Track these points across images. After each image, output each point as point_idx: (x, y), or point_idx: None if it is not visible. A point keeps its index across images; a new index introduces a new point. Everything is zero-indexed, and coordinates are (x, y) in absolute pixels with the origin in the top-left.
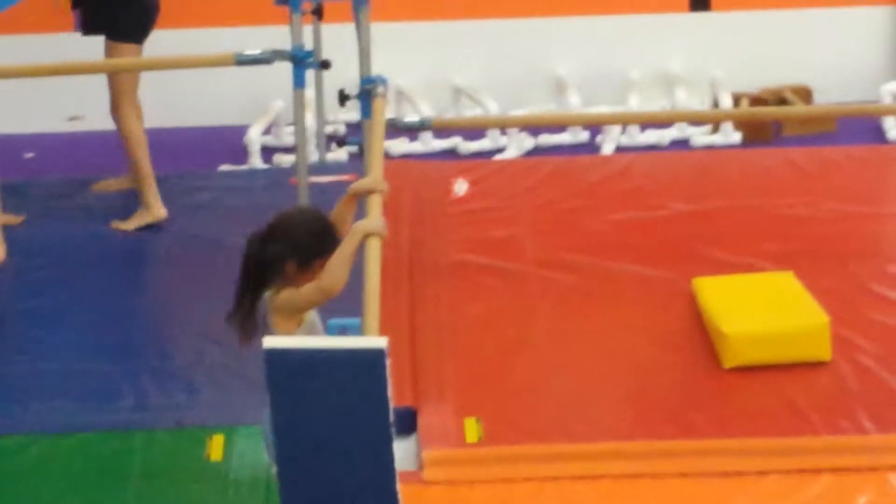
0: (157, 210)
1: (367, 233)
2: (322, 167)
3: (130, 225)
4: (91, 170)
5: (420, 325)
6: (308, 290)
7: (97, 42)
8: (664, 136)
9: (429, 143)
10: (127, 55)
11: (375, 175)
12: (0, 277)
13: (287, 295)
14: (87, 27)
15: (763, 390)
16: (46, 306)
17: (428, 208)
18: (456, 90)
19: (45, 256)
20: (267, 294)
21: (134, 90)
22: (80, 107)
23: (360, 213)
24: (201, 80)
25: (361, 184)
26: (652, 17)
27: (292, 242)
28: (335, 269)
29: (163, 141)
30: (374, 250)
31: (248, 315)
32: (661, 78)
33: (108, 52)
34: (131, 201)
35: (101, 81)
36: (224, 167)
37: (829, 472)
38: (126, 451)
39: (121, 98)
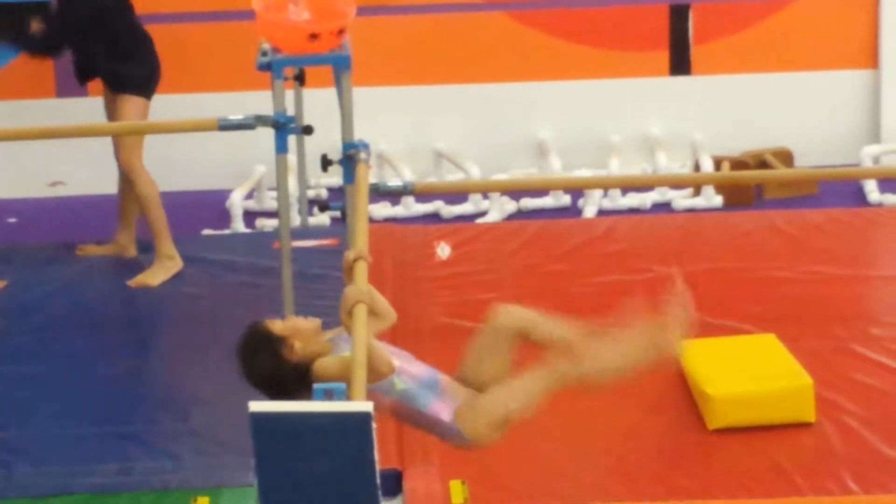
0: (177, 260)
1: (356, 301)
2: (304, 231)
3: (155, 280)
4: (73, 234)
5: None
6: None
7: (79, 106)
8: (646, 199)
9: (411, 207)
10: (138, 109)
11: (359, 246)
12: None
13: (323, 366)
14: (91, 74)
15: (748, 452)
16: (30, 370)
17: (411, 272)
18: (438, 154)
19: (28, 321)
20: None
21: (142, 144)
22: (61, 172)
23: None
24: (184, 145)
25: (347, 258)
26: (632, 82)
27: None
28: (374, 361)
29: None
30: (360, 316)
31: None
32: (642, 142)
33: (117, 107)
34: (116, 266)
35: (81, 147)
36: (206, 231)
37: None
38: None
39: (131, 154)
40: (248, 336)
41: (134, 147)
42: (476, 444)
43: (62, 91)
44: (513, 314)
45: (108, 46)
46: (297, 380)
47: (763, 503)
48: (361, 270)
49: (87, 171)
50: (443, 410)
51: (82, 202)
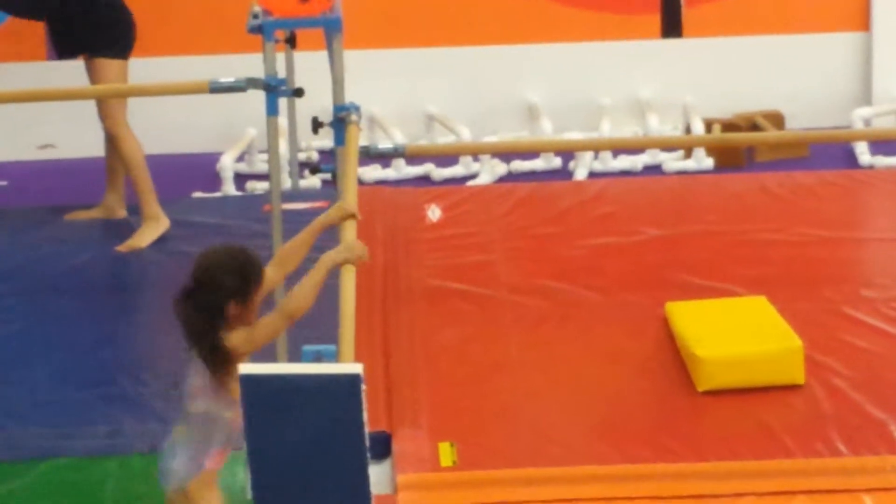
0: (164, 220)
1: (342, 261)
2: (295, 194)
3: (143, 241)
4: (63, 198)
5: (394, 351)
6: (269, 320)
7: (69, 69)
8: (637, 161)
9: (402, 169)
10: (115, 71)
11: (349, 201)
12: None
13: (242, 336)
14: (69, 49)
15: (737, 414)
16: (19, 333)
17: (401, 234)
18: (429, 117)
19: (17, 283)
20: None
21: (125, 106)
22: (51, 135)
23: (333, 240)
24: (175, 108)
25: (332, 214)
26: (624, 44)
27: (224, 285)
28: (304, 293)
29: None
30: (348, 277)
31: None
32: (634, 104)
33: (95, 71)
34: (105, 229)
35: (72, 110)
36: (197, 194)
37: (804, 495)
38: (100, 476)
39: (114, 115)
40: (230, 249)
41: (117, 110)
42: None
43: (52, 54)
44: None
45: (82, 9)
46: (213, 323)
47: (752, 464)
48: (351, 228)
49: (77, 134)
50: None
51: (73, 165)
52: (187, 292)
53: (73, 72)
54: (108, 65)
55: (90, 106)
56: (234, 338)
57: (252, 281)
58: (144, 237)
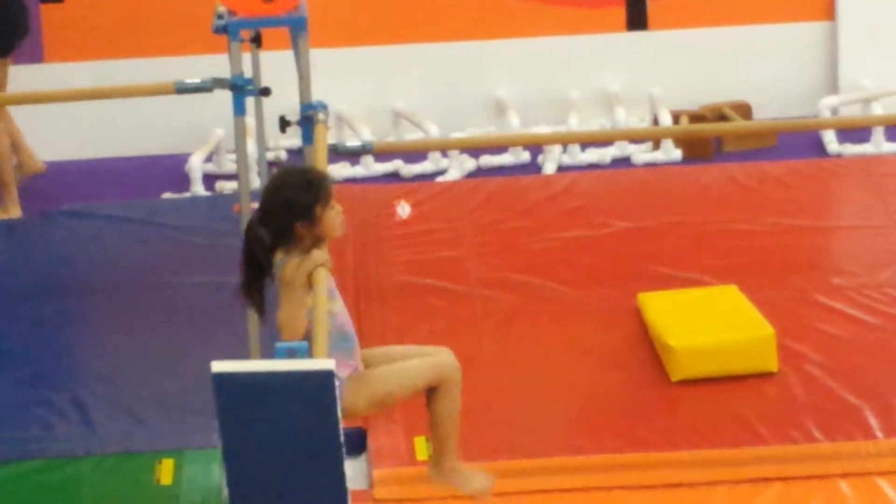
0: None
1: (315, 267)
2: None
3: None
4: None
5: (367, 347)
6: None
7: (30, 73)
8: (605, 154)
9: (370, 166)
10: None
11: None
12: None
13: (290, 270)
14: None
15: (711, 402)
16: None
17: (372, 231)
18: (396, 114)
19: None
20: (278, 258)
21: None
22: None
23: None
24: (142, 110)
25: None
26: (590, 38)
27: (290, 207)
28: (291, 322)
29: (104, 170)
30: (321, 277)
31: (259, 294)
32: (601, 97)
33: None
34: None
35: (31, 112)
36: (166, 195)
37: (779, 482)
38: (75, 477)
39: None
40: (299, 170)
41: None
42: (349, 413)
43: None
44: (453, 369)
45: None
46: (282, 241)
47: (727, 453)
48: None
49: (37, 136)
50: (342, 367)
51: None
52: (256, 219)
53: (34, 75)
54: None
55: (51, 109)
56: (288, 268)
57: (313, 200)
58: None
